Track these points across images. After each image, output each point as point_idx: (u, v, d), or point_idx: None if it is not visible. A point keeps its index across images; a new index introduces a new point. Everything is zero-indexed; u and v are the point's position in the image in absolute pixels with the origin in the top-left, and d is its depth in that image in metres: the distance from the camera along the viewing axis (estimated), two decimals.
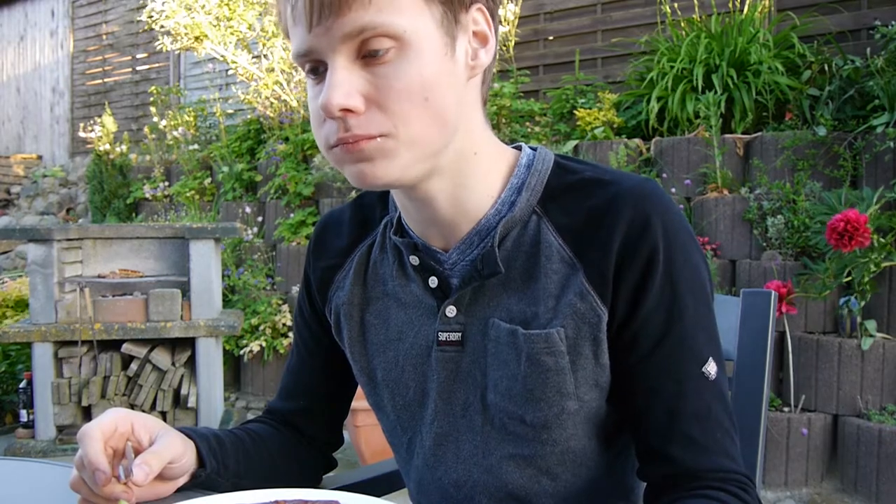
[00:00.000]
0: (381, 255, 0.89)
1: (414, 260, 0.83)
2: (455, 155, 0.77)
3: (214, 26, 5.31)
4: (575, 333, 0.76)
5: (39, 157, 9.16)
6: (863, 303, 2.93)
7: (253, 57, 5.58)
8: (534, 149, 0.85)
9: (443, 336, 0.82)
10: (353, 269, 0.90)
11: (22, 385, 3.63)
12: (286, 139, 5.09)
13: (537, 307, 0.78)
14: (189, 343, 3.68)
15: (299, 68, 0.76)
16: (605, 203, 0.77)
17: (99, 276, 3.74)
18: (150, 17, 5.45)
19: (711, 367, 0.76)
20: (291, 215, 4.69)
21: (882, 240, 2.82)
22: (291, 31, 0.71)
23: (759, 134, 3.54)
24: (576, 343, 0.77)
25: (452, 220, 0.81)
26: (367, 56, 0.68)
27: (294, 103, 5.23)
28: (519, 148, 0.85)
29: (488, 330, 0.80)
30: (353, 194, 4.32)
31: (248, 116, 5.87)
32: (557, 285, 0.77)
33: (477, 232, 0.81)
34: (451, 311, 0.82)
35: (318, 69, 0.71)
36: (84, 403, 3.55)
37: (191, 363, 3.69)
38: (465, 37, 0.73)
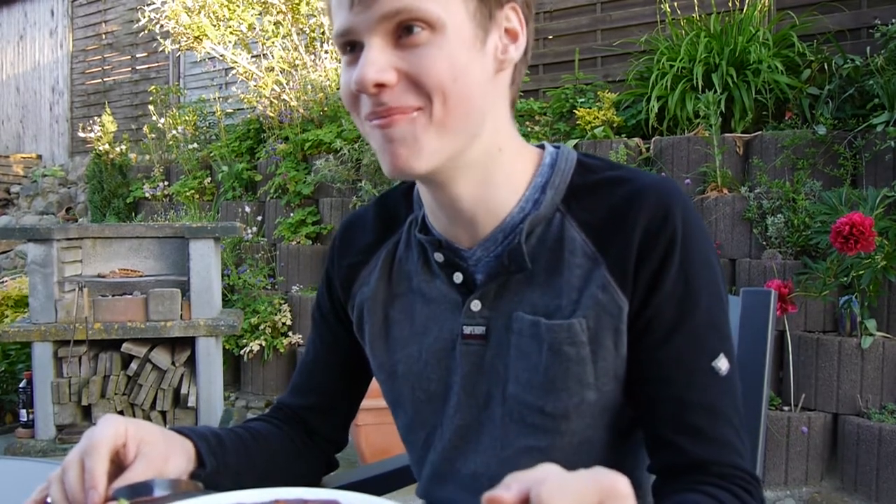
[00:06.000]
0: (406, 252, 0.91)
1: (438, 257, 0.86)
2: (481, 150, 0.79)
3: (214, 26, 5.31)
4: (596, 324, 0.78)
5: (39, 157, 9.16)
6: (865, 303, 2.93)
7: (253, 56, 5.58)
8: (557, 147, 0.87)
9: (467, 330, 0.85)
10: (378, 266, 0.93)
11: (22, 384, 3.63)
12: (286, 138, 5.08)
13: (560, 300, 0.80)
14: (189, 342, 3.68)
15: (337, 50, 0.80)
16: (627, 199, 0.79)
17: (99, 276, 3.74)
18: (150, 19, 5.46)
19: (722, 364, 0.78)
20: (291, 215, 4.69)
21: (886, 241, 2.82)
22: (335, 13, 0.76)
23: (759, 133, 3.54)
24: (597, 334, 0.79)
25: (477, 219, 0.83)
26: (402, 37, 0.72)
27: (294, 102, 5.23)
28: (542, 147, 0.88)
29: (512, 324, 0.82)
30: (356, 200, 4.33)
31: (248, 116, 5.87)
32: (580, 278, 0.80)
33: (501, 229, 0.83)
34: (475, 305, 0.84)
35: (354, 47, 0.75)
36: (84, 403, 3.55)
37: (191, 362, 3.69)
38: (497, 32, 0.77)
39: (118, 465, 0.77)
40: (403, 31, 0.72)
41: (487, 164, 0.81)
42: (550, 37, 5.00)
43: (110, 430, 0.77)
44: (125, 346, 3.60)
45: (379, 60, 0.72)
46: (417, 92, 0.73)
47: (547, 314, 0.80)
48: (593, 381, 0.80)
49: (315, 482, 1.01)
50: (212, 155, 5.68)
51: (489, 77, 0.77)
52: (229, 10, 5.35)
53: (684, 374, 0.77)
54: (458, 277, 0.85)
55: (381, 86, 0.72)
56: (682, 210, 0.79)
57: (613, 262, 0.78)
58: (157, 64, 7.89)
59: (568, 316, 0.79)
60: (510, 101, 0.83)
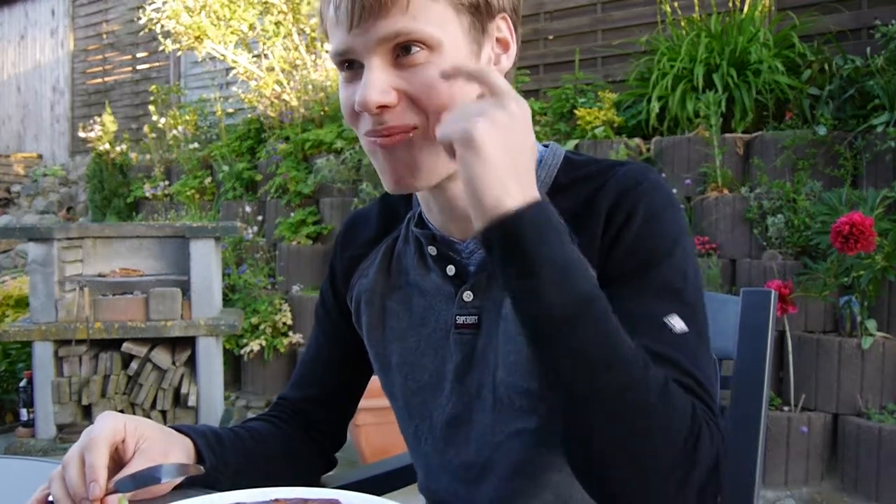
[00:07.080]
0: (404, 247, 0.94)
1: (432, 250, 0.88)
2: None
3: (215, 25, 5.31)
4: None
5: (40, 156, 9.16)
6: (865, 303, 2.93)
7: (253, 56, 5.58)
8: (546, 146, 0.89)
9: (460, 319, 0.87)
10: (378, 260, 0.95)
11: (22, 384, 3.64)
12: (286, 138, 5.09)
13: None
14: (189, 342, 3.68)
15: (335, 66, 0.83)
16: (602, 184, 0.82)
17: (99, 275, 3.74)
18: (150, 19, 5.46)
19: (676, 322, 0.74)
20: (292, 214, 4.69)
21: (885, 241, 2.82)
22: (332, 31, 0.78)
23: (760, 133, 3.54)
24: None
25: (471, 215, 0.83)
26: (400, 56, 0.75)
27: (294, 102, 5.23)
28: None
29: (501, 310, 0.84)
30: (357, 201, 4.33)
31: (249, 115, 5.87)
32: None
33: None
34: (468, 295, 0.87)
35: (352, 64, 0.78)
36: (84, 402, 3.55)
37: (191, 362, 3.69)
38: (489, 43, 0.81)
39: (118, 462, 0.78)
40: (402, 50, 0.74)
41: None
42: (551, 37, 5.00)
43: (109, 425, 0.78)
44: (125, 346, 3.60)
45: (380, 82, 0.74)
46: (416, 111, 0.76)
47: None
48: None
49: (314, 481, 1.02)
50: (212, 155, 5.68)
51: None
52: (230, 9, 5.35)
53: (640, 325, 0.73)
54: (451, 270, 0.88)
55: (383, 107, 0.75)
56: (650, 187, 0.80)
57: (585, 239, 0.79)
58: (157, 63, 7.89)
59: None
60: None
